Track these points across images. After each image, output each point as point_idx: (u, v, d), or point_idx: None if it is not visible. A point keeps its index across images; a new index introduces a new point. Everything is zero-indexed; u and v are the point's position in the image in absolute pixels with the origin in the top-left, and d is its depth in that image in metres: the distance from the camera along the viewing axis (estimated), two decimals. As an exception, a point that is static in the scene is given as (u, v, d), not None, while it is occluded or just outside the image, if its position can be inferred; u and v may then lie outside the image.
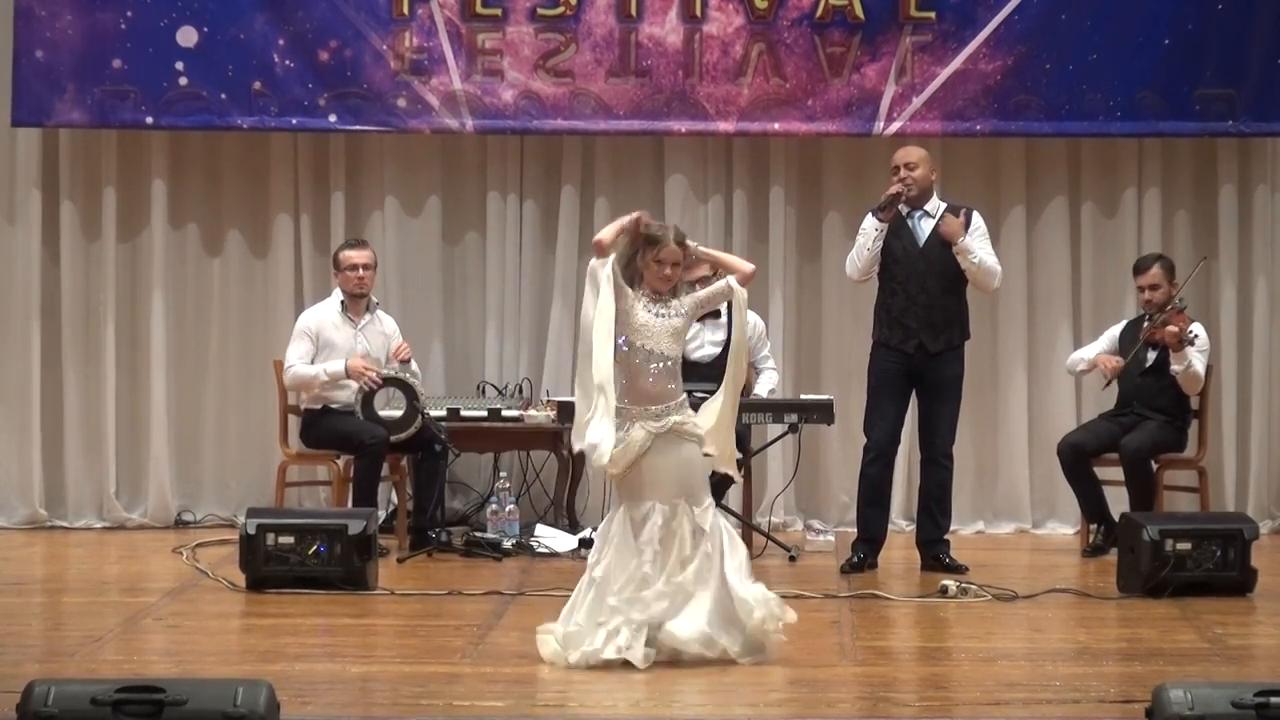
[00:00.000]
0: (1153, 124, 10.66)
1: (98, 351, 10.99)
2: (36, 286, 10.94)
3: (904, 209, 9.37)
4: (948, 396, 9.44)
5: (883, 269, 9.39)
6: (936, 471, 9.48)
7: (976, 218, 9.51)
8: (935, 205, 9.46)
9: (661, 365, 7.27)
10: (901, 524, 10.67)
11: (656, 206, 11.06)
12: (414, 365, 10.26)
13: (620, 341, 7.24)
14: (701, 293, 7.47)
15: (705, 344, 10.22)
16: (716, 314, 10.21)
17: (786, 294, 11.00)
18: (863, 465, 9.52)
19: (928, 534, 9.50)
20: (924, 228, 9.40)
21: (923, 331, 9.35)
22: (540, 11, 10.65)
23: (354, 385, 10.01)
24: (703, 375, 10.07)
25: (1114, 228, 11.02)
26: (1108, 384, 10.05)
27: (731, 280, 7.43)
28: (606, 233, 7.31)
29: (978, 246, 9.34)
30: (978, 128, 10.67)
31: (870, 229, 9.33)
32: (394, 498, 10.54)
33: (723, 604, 7.19)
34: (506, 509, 10.24)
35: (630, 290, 7.28)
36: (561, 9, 10.64)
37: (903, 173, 9.36)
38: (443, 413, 10.31)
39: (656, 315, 7.28)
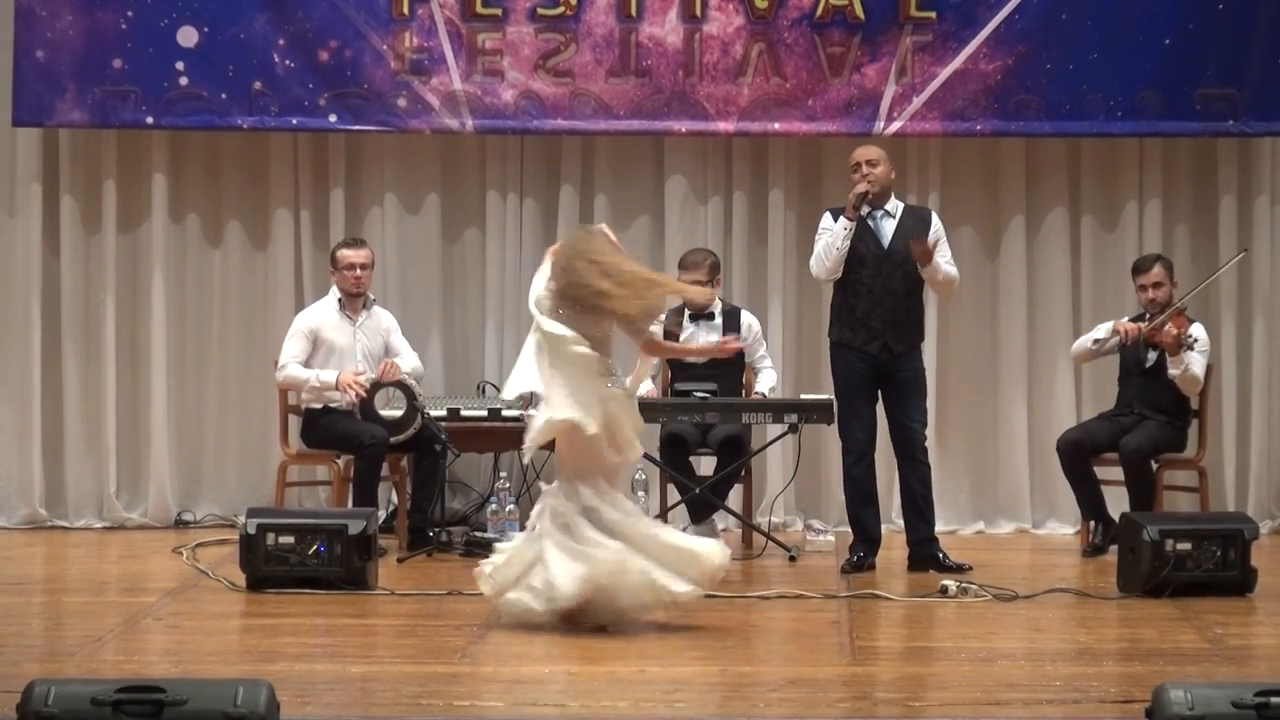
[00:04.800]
0: (1154, 124, 10.66)
1: (98, 350, 10.99)
2: (37, 281, 10.95)
3: (864, 209, 9.36)
4: (915, 394, 9.43)
5: (846, 269, 9.37)
6: (917, 469, 9.47)
7: (936, 220, 9.53)
8: (895, 205, 9.47)
9: None
10: (900, 523, 10.67)
11: (656, 207, 11.09)
12: (413, 363, 10.21)
13: None
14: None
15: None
16: (711, 315, 10.25)
17: (786, 295, 11.00)
18: (845, 468, 9.53)
19: (919, 533, 9.49)
20: (886, 228, 9.40)
21: (887, 332, 9.34)
22: (540, 11, 10.65)
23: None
24: (700, 375, 10.11)
25: (1114, 240, 11.01)
26: (1130, 343, 9.89)
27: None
28: None
29: (944, 263, 9.37)
30: (978, 128, 10.67)
31: (839, 229, 9.31)
32: (394, 498, 10.54)
33: None
34: (506, 509, 10.23)
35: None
36: (561, 9, 10.64)
37: (864, 169, 9.35)
38: (443, 413, 10.30)
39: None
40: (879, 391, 9.47)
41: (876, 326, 9.35)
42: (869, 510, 9.51)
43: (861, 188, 9.29)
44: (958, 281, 9.58)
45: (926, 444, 9.51)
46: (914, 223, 9.42)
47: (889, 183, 9.44)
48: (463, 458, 10.62)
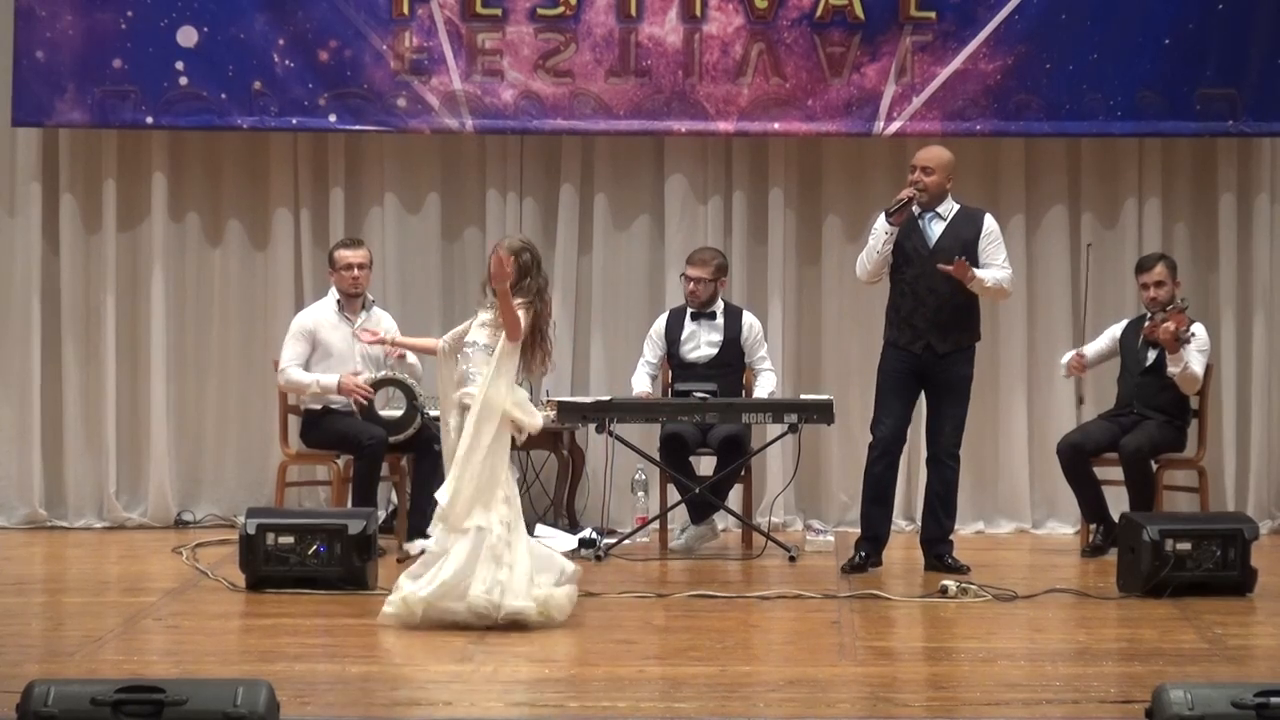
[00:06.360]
0: (1153, 124, 10.66)
1: (98, 350, 10.99)
2: (37, 281, 10.95)
3: (915, 209, 9.33)
4: (955, 398, 9.40)
5: (894, 270, 9.36)
6: (941, 471, 9.45)
7: (989, 222, 9.46)
8: (948, 208, 9.39)
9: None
10: (902, 524, 10.67)
11: (656, 206, 11.08)
12: (412, 358, 10.18)
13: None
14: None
15: (702, 344, 10.25)
16: (713, 315, 10.25)
17: (786, 295, 11.00)
18: (867, 463, 9.49)
19: (930, 533, 9.49)
20: (934, 230, 9.35)
21: (930, 333, 9.32)
22: (540, 11, 10.65)
23: (351, 387, 10.03)
24: (700, 375, 10.11)
25: (1114, 239, 11.02)
26: (1068, 375, 10.22)
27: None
28: None
29: (987, 275, 9.28)
30: (978, 128, 10.67)
31: (880, 231, 9.30)
32: (394, 498, 10.54)
33: None
34: (506, 509, 10.21)
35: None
36: (561, 9, 10.65)
37: (916, 174, 9.31)
38: (443, 413, 10.30)
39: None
40: (920, 392, 9.45)
41: (920, 326, 9.31)
42: (880, 510, 9.48)
43: (905, 194, 9.24)
44: (1009, 283, 9.48)
45: (958, 449, 9.45)
46: (965, 225, 9.36)
47: (942, 190, 9.34)
48: (463, 458, 10.60)
